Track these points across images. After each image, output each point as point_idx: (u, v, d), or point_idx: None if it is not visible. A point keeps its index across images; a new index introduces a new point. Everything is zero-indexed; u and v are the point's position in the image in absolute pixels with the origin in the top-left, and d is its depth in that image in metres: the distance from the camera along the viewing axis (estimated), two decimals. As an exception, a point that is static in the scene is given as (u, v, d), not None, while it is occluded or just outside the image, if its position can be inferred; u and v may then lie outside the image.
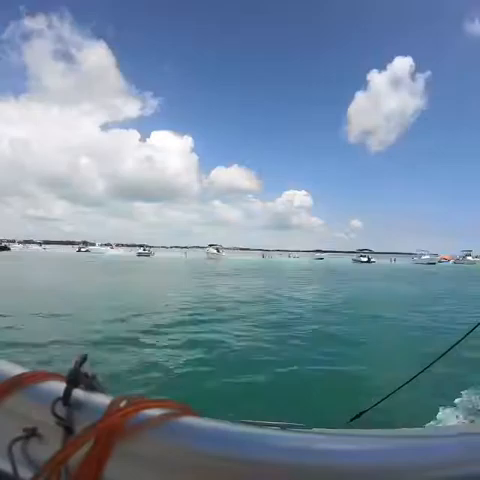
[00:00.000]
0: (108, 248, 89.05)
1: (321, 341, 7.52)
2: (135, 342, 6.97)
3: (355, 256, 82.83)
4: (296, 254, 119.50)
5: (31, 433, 0.43)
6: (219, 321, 9.44)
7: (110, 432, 0.38)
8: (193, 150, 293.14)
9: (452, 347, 1.34)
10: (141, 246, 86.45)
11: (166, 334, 7.80)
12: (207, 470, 0.37)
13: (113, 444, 0.38)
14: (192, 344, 7.05)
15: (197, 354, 6.39)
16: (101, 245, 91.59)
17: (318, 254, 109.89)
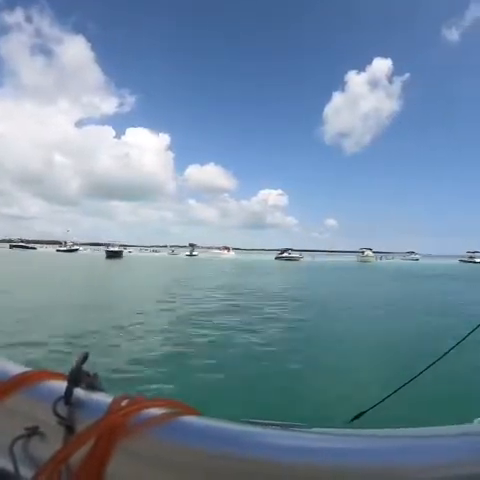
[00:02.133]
0: (225, 251, 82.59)
1: None
2: None
3: (465, 257, 71.74)
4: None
5: (32, 432, 0.43)
6: None
7: (112, 431, 0.39)
8: (170, 148, 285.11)
9: (453, 347, 1.34)
10: (286, 250, 71.90)
11: None
12: (209, 469, 0.37)
13: (115, 443, 0.38)
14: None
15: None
16: (219, 248, 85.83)
17: (413, 255, 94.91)
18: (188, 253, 78.28)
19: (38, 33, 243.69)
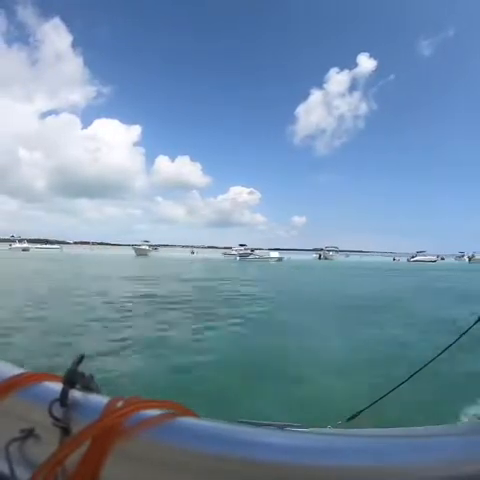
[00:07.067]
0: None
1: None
2: None
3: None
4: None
5: (28, 434, 0.43)
6: None
7: (107, 433, 0.38)
8: (141, 142, 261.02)
9: (451, 345, 1.35)
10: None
11: None
12: (205, 470, 0.37)
13: (110, 445, 0.38)
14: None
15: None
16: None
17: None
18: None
19: (13, 21, 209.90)
